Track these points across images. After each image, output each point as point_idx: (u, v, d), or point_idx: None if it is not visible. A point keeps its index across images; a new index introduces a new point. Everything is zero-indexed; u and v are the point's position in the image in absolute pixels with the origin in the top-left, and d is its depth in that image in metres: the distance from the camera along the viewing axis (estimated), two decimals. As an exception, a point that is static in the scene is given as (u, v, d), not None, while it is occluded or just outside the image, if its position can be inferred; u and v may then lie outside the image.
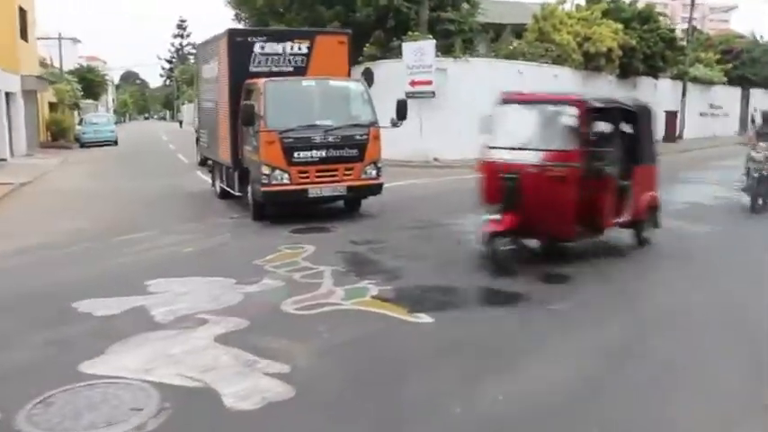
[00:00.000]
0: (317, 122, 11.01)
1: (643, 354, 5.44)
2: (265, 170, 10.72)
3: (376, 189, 11.72)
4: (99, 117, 40.57)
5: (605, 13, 28.19)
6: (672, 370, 5.10)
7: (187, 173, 20.18)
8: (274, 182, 10.74)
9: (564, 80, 25.99)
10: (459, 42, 22.44)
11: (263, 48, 12.25)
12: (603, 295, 7.15)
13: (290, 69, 12.33)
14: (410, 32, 22.11)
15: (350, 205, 12.34)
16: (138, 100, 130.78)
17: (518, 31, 27.83)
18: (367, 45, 22.84)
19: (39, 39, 38.74)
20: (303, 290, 7.09)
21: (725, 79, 40.99)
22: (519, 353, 5.48)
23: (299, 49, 12.48)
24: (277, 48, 12.36)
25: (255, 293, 7.08)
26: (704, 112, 39.26)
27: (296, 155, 10.74)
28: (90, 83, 64.52)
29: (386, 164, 21.82)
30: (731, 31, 55.87)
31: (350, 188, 11.30)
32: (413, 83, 21.84)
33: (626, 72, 29.12)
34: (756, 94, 44.99)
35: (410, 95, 21.70)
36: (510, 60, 24.14)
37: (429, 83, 21.64)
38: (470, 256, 8.55)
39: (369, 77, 22.86)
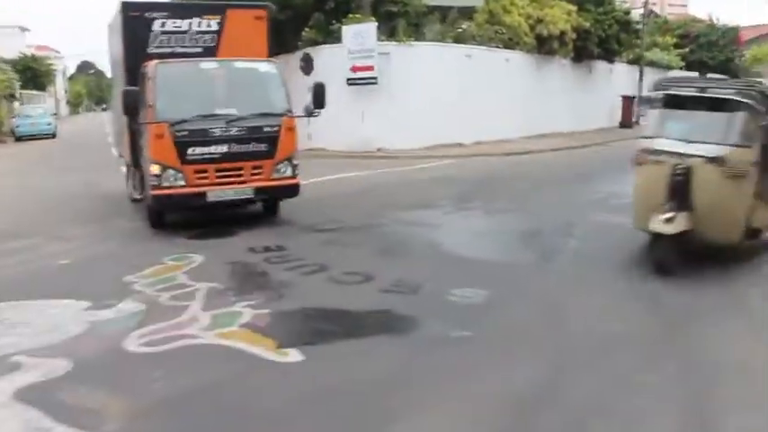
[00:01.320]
0: (218, 112, 9.33)
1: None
2: (155, 170, 9.09)
3: (290, 190, 9.90)
4: (34, 109, 38.61)
5: (558, -5, 27.09)
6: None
7: (112, 169, 18.62)
8: (166, 184, 9.05)
9: (515, 64, 24.98)
10: (402, 25, 21.17)
11: (163, 25, 10.60)
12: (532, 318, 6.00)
13: (199, 50, 10.66)
14: (351, 15, 20.79)
15: (268, 208, 10.70)
16: (94, 90, 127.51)
17: (468, 13, 26.65)
18: (306, 29, 21.48)
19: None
20: (163, 316, 5.85)
21: (682, 64, 40.33)
22: (404, 404, 4.30)
23: (208, 26, 10.83)
24: (181, 25, 10.71)
25: (103, 322, 5.82)
26: (662, 97, 38.48)
27: (191, 151, 9.05)
28: (35, 73, 62.33)
29: (324, 155, 20.92)
30: (689, 16, 55.39)
31: (258, 190, 9.53)
32: (354, 68, 20.60)
33: (580, 56, 28.13)
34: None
35: (351, 82, 20.56)
36: (457, 44, 22.92)
37: (371, 68, 20.43)
38: (387, 266, 7.40)
39: (308, 64, 21.60)
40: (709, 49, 44.09)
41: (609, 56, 29.91)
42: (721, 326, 5.61)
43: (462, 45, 23.01)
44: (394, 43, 20.97)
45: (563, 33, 25.57)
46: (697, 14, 50.77)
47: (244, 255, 8.08)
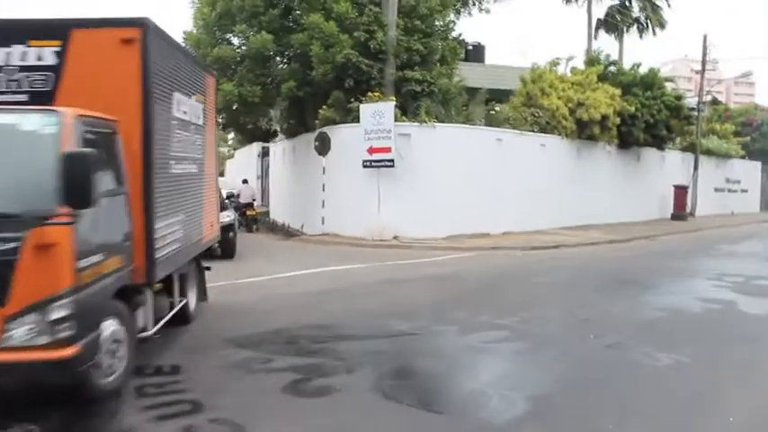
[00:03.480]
0: None
1: None
2: None
3: (39, 373, 4.94)
4: None
5: (602, 78, 25.44)
6: None
7: None
8: None
9: (553, 150, 23.19)
10: (426, 105, 19.69)
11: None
12: None
13: (22, 98, 6.11)
14: (370, 93, 19.45)
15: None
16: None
17: (506, 97, 25.16)
18: (324, 107, 20.20)
19: None
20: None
21: (742, 152, 37.94)
22: None
23: (39, 57, 6.20)
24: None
25: None
26: (720, 188, 36.11)
27: None
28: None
29: (333, 241, 19.28)
30: (753, 104, 53.03)
31: None
32: (370, 150, 19.10)
33: (625, 142, 26.19)
34: (778, 169, 41.92)
35: (367, 164, 19.06)
36: (487, 128, 21.32)
37: (388, 149, 18.90)
38: (268, 414, 5.52)
39: (324, 143, 20.28)
40: (773, 137, 41.63)
41: (657, 142, 27.84)
42: None
43: (493, 128, 21.37)
44: (416, 124, 19.46)
45: (605, 118, 23.77)
46: (763, 103, 48.34)
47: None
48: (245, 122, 32.59)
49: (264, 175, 35.59)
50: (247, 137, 40.04)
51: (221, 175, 51.94)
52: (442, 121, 20.04)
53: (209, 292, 9.61)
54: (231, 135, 51.59)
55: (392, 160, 18.83)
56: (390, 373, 6.65)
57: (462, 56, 24.31)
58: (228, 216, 15.04)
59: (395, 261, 15.21)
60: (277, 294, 10.92)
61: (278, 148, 29.71)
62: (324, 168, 20.48)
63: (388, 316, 9.26)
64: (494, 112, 23.03)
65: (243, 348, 7.36)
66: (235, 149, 52.49)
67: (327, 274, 13.24)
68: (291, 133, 25.17)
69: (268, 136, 34.00)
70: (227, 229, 14.14)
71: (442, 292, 11.55)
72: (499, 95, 25.23)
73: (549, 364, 6.91)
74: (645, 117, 25.89)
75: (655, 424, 5.37)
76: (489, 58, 33.29)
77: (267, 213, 30.65)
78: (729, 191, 37.30)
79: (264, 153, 35.02)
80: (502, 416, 5.45)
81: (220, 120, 26.45)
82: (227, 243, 14.59)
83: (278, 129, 28.40)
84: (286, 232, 23.29)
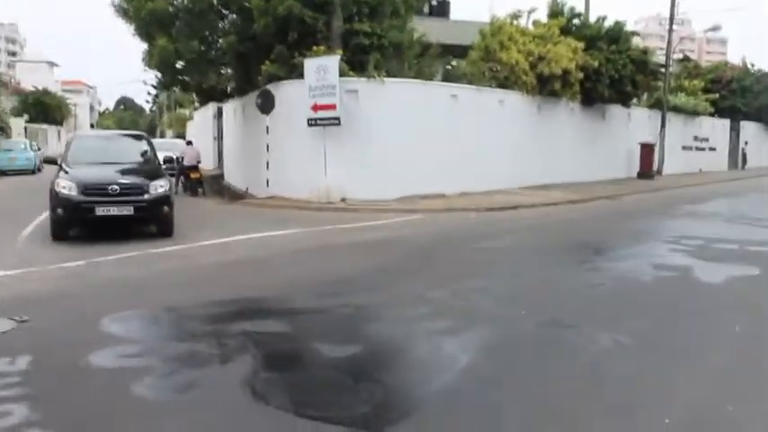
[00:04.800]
0: None
1: None
2: None
3: None
4: (14, 144, 36.92)
5: (565, 31, 24.24)
6: None
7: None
8: None
9: (512, 106, 22.08)
10: (375, 59, 18.42)
11: None
12: None
13: None
14: (315, 47, 18.15)
15: None
16: (129, 125, 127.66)
17: (464, 53, 23.97)
18: (266, 63, 18.87)
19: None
20: None
21: (711, 109, 37.11)
22: None
23: None
24: None
25: None
26: (687, 146, 35.34)
27: None
28: (46, 107, 61.54)
29: (276, 204, 18.01)
30: (723, 61, 52.14)
31: None
32: (315, 107, 17.87)
33: (590, 98, 25.13)
34: (747, 127, 41.27)
35: (312, 122, 17.85)
36: (441, 83, 20.13)
37: (333, 107, 17.67)
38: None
39: (267, 101, 19.01)
40: (743, 95, 40.89)
41: (623, 99, 26.82)
42: None
43: (448, 84, 20.20)
44: (363, 80, 18.23)
45: (567, 73, 22.66)
46: (734, 61, 47.44)
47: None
48: (200, 82, 31.05)
49: (220, 136, 34.22)
50: (204, 97, 38.45)
51: (182, 137, 50.50)
52: (394, 77, 18.82)
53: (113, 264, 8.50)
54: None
55: (338, 118, 17.64)
56: (271, 363, 5.59)
57: (421, 9, 23.05)
58: (162, 186, 12.15)
59: (336, 225, 14.12)
60: (189, 266, 9.81)
61: (229, 108, 28.38)
62: (267, 128, 19.26)
63: (304, 289, 8.21)
64: (450, 68, 21.87)
65: (110, 338, 6.23)
66: (195, 110, 50.79)
67: (256, 241, 12.12)
68: (240, 92, 23.82)
69: (224, 96, 32.49)
70: (159, 202, 12.00)
71: (376, 259, 10.51)
72: (463, 52, 24.05)
73: (464, 350, 5.85)
74: (609, 72, 24.82)
75: (572, 429, 4.36)
76: (455, 13, 31.94)
77: (221, 176, 29.41)
78: (697, 149, 36.57)
79: (219, 114, 33.57)
80: (389, 422, 4.41)
81: (160, 79, 25.02)
82: (161, 219, 12.25)
83: (228, 88, 27.01)
84: (234, 195, 22.08)
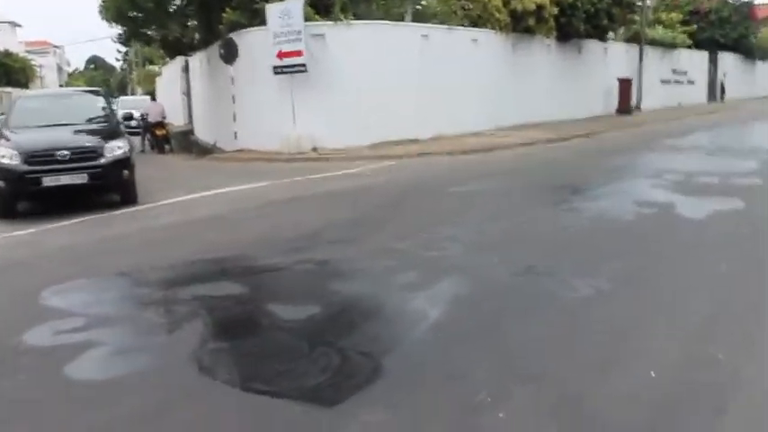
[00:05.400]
0: None
1: None
2: None
3: None
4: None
5: (538, -35, 23.36)
6: None
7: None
8: None
9: (486, 45, 21.38)
10: (339, 1, 17.63)
11: None
12: None
13: None
14: (278, -10, 17.35)
15: None
16: (101, 85, 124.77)
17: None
18: (227, 9, 18.04)
19: None
20: None
21: (689, 42, 36.48)
22: None
23: None
24: None
25: None
26: (666, 79, 34.79)
27: None
28: (9, 69, 59.83)
29: (246, 157, 17.38)
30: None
31: None
32: (280, 54, 17.15)
33: (566, 34, 24.45)
34: (725, 58, 40.74)
35: (278, 70, 17.15)
36: (410, 23, 19.37)
37: (299, 53, 16.97)
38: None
39: (230, 50, 18.23)
40: (721, 26, 40.27)
41: (599, 33, 26.16)
42: None
43: (418, 24, 19.46)
44: (329, 23, 17.48)
45: (541, 8, 21.94)
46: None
47: None
48: (166, 36, 29.95)
49: (188, 91, 33.21)
50: (171, 51, 37.22)
51: (152, 94, 49.51)
52: (361, 19, 18.07)
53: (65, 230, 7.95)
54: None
55: (304, 65, 16.96)
56: (222, 331, 5.13)
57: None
58: (120, 148, 10.81)
59: (307, 176, 13.57)
60: (148, 227, 9.30)
61: (195, 61, 27.44)
62: (232, 78, 18.53)
63: (267, 246, 7.72)
64: (420, 7, 21.08)
65: (50, 312, 5.73)
66: (163, 66, 49.43)
67: (221, 197, 11.60)
68: (205, 43, 22.94)
69: (191, 49, 31.41)
70: (117, 166, 10.63)
71: (345, 210, 10.02)
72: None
73: (432, 306, 5.40)
74: (585, 6, 24.15)
75: (548, 391, 3.94)
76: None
77: (191, 132, 28.60)
78: (676, 82, 36.05)
79: (186, 67, 32.50)
80: (344, 393, 3.97)
81: (120, 33, 24.04)
82: (121, 186, 10.91)
83: (194, 40, 26.06)
84: (203, 151, 21.38)
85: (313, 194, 11.48)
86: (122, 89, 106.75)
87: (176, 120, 34.74)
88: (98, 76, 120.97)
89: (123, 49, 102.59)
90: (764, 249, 7.02)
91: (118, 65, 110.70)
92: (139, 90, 68.85)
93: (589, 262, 6.58)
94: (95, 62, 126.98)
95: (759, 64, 45.90)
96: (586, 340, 4.65)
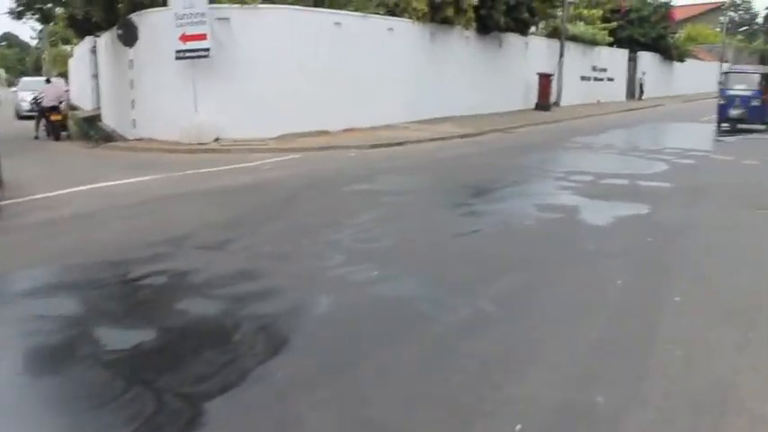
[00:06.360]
0: None
1: None
2: None
3: None
4: None
5: (458, -45, 22.82)
6: None
7: None
8: None
9: (403, 35, 20.71)
10: (247, -18, 16.69)
11: None
12: None
13: None
14: (180, -31, 16.25)
15: None
16: (15, 65, 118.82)
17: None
18: (126, -12, 16.92)
19: None
20: None
21: (610, 39, 36.71)
22: None
23: None
24: None
25: None
26: (586, 76, 34.88)
27: None
28: None
29: (143, 147, 15.98)
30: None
31: None
32: (183, 37, 16.08)
33: (486, 26, 24.01)
34: (644, 57, 41.29)
35: (180, 55, 16.11)
36: (322, 9, 18.54)
37: (203, 37, 15.97)
38: None
39: (129, 32, 17.08)
40: (641, 25, 40.79)
41: (520, 27, 25.84)
42: None
43: (330, 11, 18.64)
44: (236, 6, 16.52)
45: (459, -1, 21.40)
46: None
47: None
48: (72, 14, 28.22)
49: (97, 73, 31.54)
50: (80, 30, 35.30)
51: (65, 75, 47.09)
52: (270, 2, 17.16)
53: None
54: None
55: (208, 49, 15.99)
56: (32, 364, 4.32)
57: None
58: None
59: (201, 169, 12.65)
60: (1, 228, 8.26)
61: (101, 41, 25.95)
62: (131, 62, 17.36)
63: (124, 251, 6.84)
64: (335, -7, 20.25)
65: None
66: (75, 46, 47.10)
67: (100, 192, 10.58)
68: (109, 23, 21.56)
69: (99, 28, 29.75)
70: None
71: (229, 209, 9.20)
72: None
73: (289, 332, 4.70)
74: (505, -1, 23.73)
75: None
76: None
77: (98, 117, 27.07)
78: (596, 79, 36.20)
79: (95, 49, 30.83)
80: None
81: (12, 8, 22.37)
82: None
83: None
84: (106, 138, 20.05)
85: (202, 190, 10.60)
86: (38, 70, 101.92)
87: (85, 104, 33.09)
88: (11, 54, 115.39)
89: (39, 26, 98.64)
90: (663, 260, 6.57)
91: (33, 43, 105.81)
92: (54, 72, 65.80)
93: (477, 277, 5.97)
94: (8, 39, 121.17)
95: (676, 64, 46.71)
96: (449, 382, 3.99)
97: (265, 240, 7.24)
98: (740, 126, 20.81)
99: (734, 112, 20.72)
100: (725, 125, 21.18)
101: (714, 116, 21.85)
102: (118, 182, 11.32)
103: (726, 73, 22.96)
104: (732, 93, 20.87)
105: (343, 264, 6.34)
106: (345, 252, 6.72)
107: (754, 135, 19.88)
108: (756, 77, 21.23)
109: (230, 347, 4.49)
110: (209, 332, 4.77)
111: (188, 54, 16.12)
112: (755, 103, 20.42)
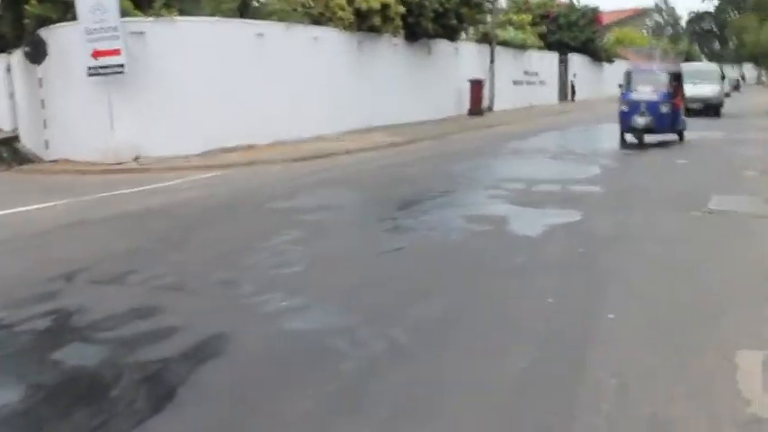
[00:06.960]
0: None
1: None
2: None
3: None
4: None
5: (384, -37, 22.46)
6: None
7: None
8: None
9: (329, 44, 20.20)
10: (161, -6, 15.98)
11: None
12: None
13: None
14: (90, -18, 15.43)
15: None
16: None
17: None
18: (31, 1, 15.97)
19: None
20: None
21: (541, 44, 36.97)
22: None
23: None
24: None
25: None
26: (518, 80, 34.97)
27: None
28: None
29: (57, 170, 14.94)
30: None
31: None
32: (95, 53, 15.28)
33: (414, 34, 23.69)
34: (574, 59, 41.80)
35: (93, 71, 15.28)
36: (242, 20, 17.92)
37: (117, 52, 15.18)
38: None
39: (38, 49, 16.22)
40: (570, 29, 41.38)
41: (449, 33, 25.62)
42: None
43: (251, 21, 18.04)
44: (150, 19, 15.78)
45: (386, 7, 21.00)
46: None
47: None
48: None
49: (14, 93, 30.14)
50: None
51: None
52: (188, 15, 16.47)
53: None
54: None
55: (122, 65, 15.20)
56: None
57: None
58: None
59: (115, 191, 11.90)
60: None
61: (14, 59, 24.70)
62: (40, 80, 16.48)
63: (9, 289, 6.17)
64: (258, 4, 19.67)
65: None
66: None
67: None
68: (18, 40, 20.49)
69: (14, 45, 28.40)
70: None
71: (132, 236, 8.52)
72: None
73: (173, 381, 4.12)
74: (433, 5, 23.47)
75: None
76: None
77: (15, 139, 25.78)
78: (528, 83, 36.35)
79: (9, 67, 29.43)
80: None
81: None
82: None
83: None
84: (21, 161, 18.98)
85: (109, 216, 9.85)
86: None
87: (6, 125, 31.61)
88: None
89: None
90: (595, 274, 6.19)
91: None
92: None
93: (395, 303, 5.47)
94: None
95: (605, 65, 47.46)
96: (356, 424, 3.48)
97: (168, 271, 6.60)
98: (647, 137, 16.79)
99: (640, 121, 16.36)
100: (629, 136, 17.00)
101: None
102: (18, 209, 10.46)
103: (628, 72, 18.17)
104: (636, 97, 16.73)
105: (250, 294, 5.77)
106: (254, 281, 6.14)
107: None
108: (664, 77, 17.15)
109: (106, 406, 3.88)
110: (84, 387, 4.15)
111: (101, 71, 15.32)
112: (665, 109, 16.46)
